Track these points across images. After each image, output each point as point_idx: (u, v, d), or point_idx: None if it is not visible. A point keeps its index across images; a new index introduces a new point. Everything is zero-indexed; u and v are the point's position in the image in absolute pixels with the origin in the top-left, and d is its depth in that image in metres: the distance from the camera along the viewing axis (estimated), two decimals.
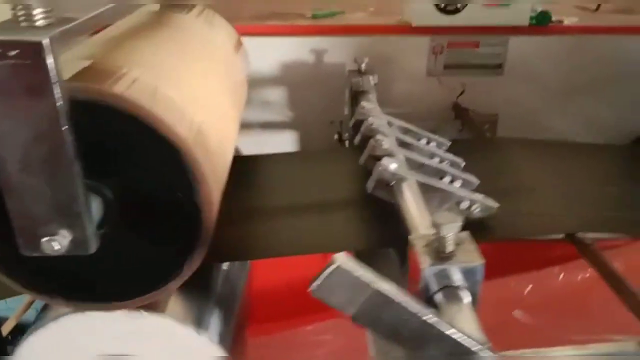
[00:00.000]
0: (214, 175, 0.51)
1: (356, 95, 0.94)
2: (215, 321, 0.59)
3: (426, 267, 0.41)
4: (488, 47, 1.06)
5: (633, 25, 1.09)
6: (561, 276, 1.18)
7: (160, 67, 0.54)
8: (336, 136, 1.03)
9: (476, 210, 0.64)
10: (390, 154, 0.67)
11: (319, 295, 0.33)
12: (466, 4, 1.01)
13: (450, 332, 0.35)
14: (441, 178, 0.69)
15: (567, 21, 1.12)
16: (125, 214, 0.47)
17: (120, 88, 0.44)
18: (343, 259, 0.33)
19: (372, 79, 0.94)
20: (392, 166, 0.61)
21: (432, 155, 0.76)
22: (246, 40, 1.02)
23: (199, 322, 0.56)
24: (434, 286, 0.42)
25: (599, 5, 1.28)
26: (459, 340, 0.35)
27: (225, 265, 0.72)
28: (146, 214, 0.48)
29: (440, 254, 0.42)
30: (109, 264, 0.49)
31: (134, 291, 0.49)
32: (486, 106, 1.10)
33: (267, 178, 0.85)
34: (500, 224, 0.66)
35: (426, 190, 0.62)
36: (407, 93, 1.08)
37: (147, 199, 0.47)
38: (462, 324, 0.39)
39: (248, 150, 1.10)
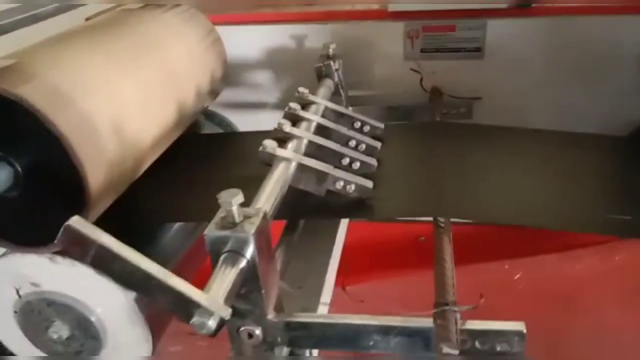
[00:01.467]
0: (98, 154, 0.63)
1: (320, 79, 1.01)
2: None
3: (206, 232, 0.50)
4: (465, 30, 1.06)
5: (627, 4, 1.03)
6: None
7: (68, 68, 0.67)
8: None
9: (351, 190, 0.70)
10: (289, 137, 0.75)
11: (62, 247, 0.44)
12: None
13: (171, 283, 0.44)
14: (340, 159, 0.76)
15: None
16: (29, 181, 0.61)
17: (19, 86, 0.58)
18: (76, 220, 0.44)
19: (334, 65, 1.00)
20: (270, 147, 0.68)
21: (348, 139, 0.82)
22: (233, 29, 1.13)
23: None
24: (218, 249, 0.51)
25: None
26: (180, 291, 0.44)
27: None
28: (43, 182, 0.62)
29: (226, 224, 0.51)
30: (23, 219, 0.63)
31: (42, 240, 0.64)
32: (467, 91, 1.10)
33: (233, 153, 0.96)
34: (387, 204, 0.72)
35: (306, 170, 0.70)
36: (385, 77, 1.12)
37: (44, 171, 0.61)
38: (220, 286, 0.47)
39: (245, 127, 1.22)
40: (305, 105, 0.86)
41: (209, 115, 1.18)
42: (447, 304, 0.51)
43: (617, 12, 1.02)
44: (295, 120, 0.80)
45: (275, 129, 0.75)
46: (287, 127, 0.75)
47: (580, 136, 0.94)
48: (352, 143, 0.82)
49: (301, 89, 0.87)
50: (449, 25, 1.06)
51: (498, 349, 0.50)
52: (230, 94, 1.18)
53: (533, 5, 1.04)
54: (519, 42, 1.05)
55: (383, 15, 1.08)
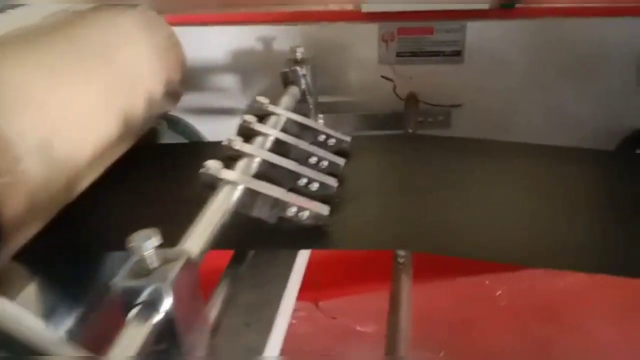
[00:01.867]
0: (14, 179, 0.56)
1: (286, 86, 0.94)
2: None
3: (114, 282, 0.43)
4: (443, 33, 0.99)
5: (614, 6, 0.95)
6: None
7: None
8: None
9: (305, 217, 0.63)
10: (240, 155, 0.67)
11: None
12: None
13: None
14: (297, 179, 0.69)
15: None
16: None
17: None
18: None
19: (301, 70, 0.93)
20: (213, 168, 0.61)
21: (308, 156, 0.74)
22: (198, 30, 1.05)
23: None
24: (129, 301, 0.43)
25: None
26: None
27: None
28: None
29: (140, 270, 0.44)
30: None
31: None
32: (446, 97, 1.03)
33: (189, 167, 0.88)
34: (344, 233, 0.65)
35: (255, 195, 0.62)
36: (359, 82, 1.04)
37: None
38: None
39: (212, 134, 1.15)
40: (264, 116, 0.79)
41: (172, 122, 1.11)
42: None
43: (604, 14, 0.95)
44: (250, 135, 0.73)
45: (224, 146, 0.68)
46: (238, 144, 0.68)
47: (567, 151, 0.86)
48: (313, 160, 0.74)
49: (259, 98, 0.80)
50: (426, 28, 0.99)
51: None
52: (195, 98, 1.10)
53: (516, 6, 0.97)
54: (501, 45, 0.98)
55: (356, 16, 1.00)
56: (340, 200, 0.69)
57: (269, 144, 0.72)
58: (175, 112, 1.10)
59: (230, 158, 0.68)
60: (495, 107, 1.03)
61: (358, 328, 1.23)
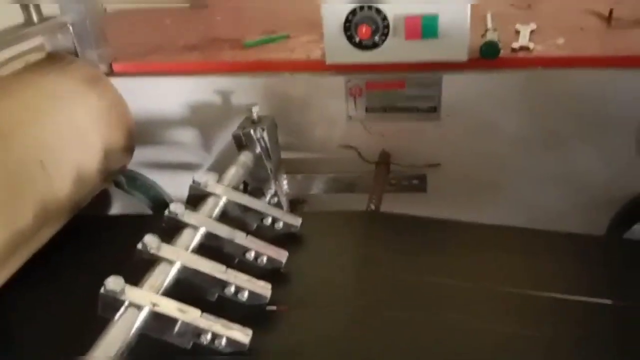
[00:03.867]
0: None
1: (239, 149, 0.85)
2: None
3: None
4: (417, 87, 0.88)
5: (619, 55, 0.84)
6: None
7: None
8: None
9: (221, 346, 0.53)
10: (157, 260, 0.58)
11: None
12: (384, 39, 0.84)
13: None
14: (224, 288, 0.59)
15: (541, 46, 0.90)
16: None
17: None
18: None
19: (255, 133, 0.83)
20: (115, 288, 0.52)
21: (245, 250, 0.65)
22: (156, 80, 0.97)
23: None
24: None
25: (610, 13, 1.02)
26: None
27: None
28: None
29: None
30: None
31: None
32: (421, 157, 0.93)
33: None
34: None
35: (162, 319, 0.53)
36: (326, 139, 0.95)
37: None
38: None
39: (175, 189, 1.06)
40: (203, 196, 0.70)
41: (131, 178, 1.03)
42: None
43: (604, 65, 0.84)
44: (177, 227, 0.64)
45: (139, 250, 0.59)
46: (154, 247, 0.58)
47: (556, 238, 0.75)
48: (250, 255, 0.65)
49: (197, 177, 0.71)
50: (397, 81, 0.88)
51: None
52: (154, 152, 1.02)
53: (499, 55, 0.86)
54: (482, 99, 0.88)
55: (321, 67, 0.90)
56: (274, 314, 0.60)
57: (197, 239, 0.63)
58: (134, 168, 1.02)
59: (149, 262, 0.59)
60: (476, 168, 0.92)
61: None
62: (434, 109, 0.89)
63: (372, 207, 0.80)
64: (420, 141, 0.92)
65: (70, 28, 0.91)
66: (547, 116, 0.87)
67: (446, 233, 0.76)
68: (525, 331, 0.59)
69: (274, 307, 0.61)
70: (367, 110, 0.91)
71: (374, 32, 0.84)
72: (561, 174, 0.90)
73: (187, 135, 0.99)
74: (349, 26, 0.84)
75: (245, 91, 0.93)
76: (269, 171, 0.87)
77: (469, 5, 0.81)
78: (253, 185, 0.87)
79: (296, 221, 0.73)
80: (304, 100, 0.93)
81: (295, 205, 0.99)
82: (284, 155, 0.93)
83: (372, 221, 0.79)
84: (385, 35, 0.84)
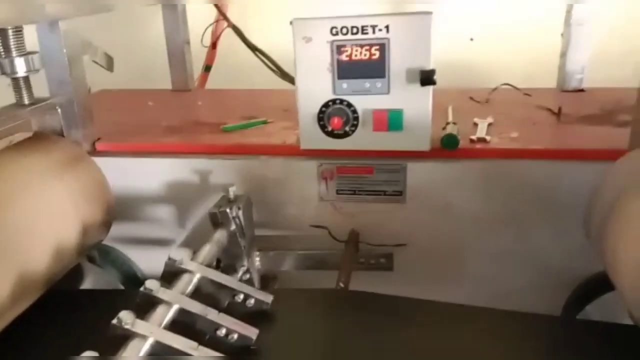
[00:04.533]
0: None
1: (215, 227, 0.88)
2: None
3: None
4: (383, 173, 0.95)
5: (569, 149, 0.93)
6: None
7: None
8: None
9: None
10: (130, 336, 0.60)
11: None
12: (354, 129, 0.92)
13: None
14: None
15: (497, 139, 0.98)
16: None
17: None
18: None
19: (231, 211, 0.88)
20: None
21: (216, 328, 0.67)
22: (135, 161, 1.01)
23: None
24: None
25: (559, 110, 1.12)
26: None
27: None
28: None
29: None
30: None
31: None
32: (389, 237, 0.98)
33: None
34: None
35: None
36: (298, 219, 0.99)
37: None
38: None
39: (148, 265, 1.08)
40: (177, 273, 0.73)
41: (104, 252, 1.05)
42: None
43: (554, 157, 0.92)
44: (152, 303, 0.66)
45: (113, 325, 0.61)
46: (129, 322, 0.60)
47: (515, 318, 0.79)
48: (222, 332, 0.67)
49: (173, 255, 0.74)
50: (365, 167, 0.95)
51: None
52: (130, 228, 1.05)
53: (459, 147, 0.94)
54: (443, 186, 0.94)
55: (295, 152, 0.97)
56: None
57: (170, 315, 0.65)
58: (107, 242, 1.04)
59: (120, 337, 0.60)
60: (441, 249, 0.98)
61: None
62: (400, 193, 0.95)
63: (341, 285, 0.83)
64: (388, 222, 0.97)
65: (59, 109, 0.96)
66: (504, 201, 0.94)
67: (412, 311, 0.80)
68: None
69: None
70: (337, 192, 0.97)
71: (344, 123, 0.91)
72: (519, 255, 0.96)
73: (164, 212, 1.03)
74: (322, 117, 0.92)
75: (222, 172, 0.99)
76: (242, 248, 0.90)
77: (430, 103, 0.89)
78: (226, 261, 0.90)
79: (267, 298, 0.75)
80: (278, 182, 0.98)
81: (266, 281, 1.01)
82: (258, 232, 0.97)
83: (341, 299, 0.82)
84: (355, 126, 0.92)
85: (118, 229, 1.03)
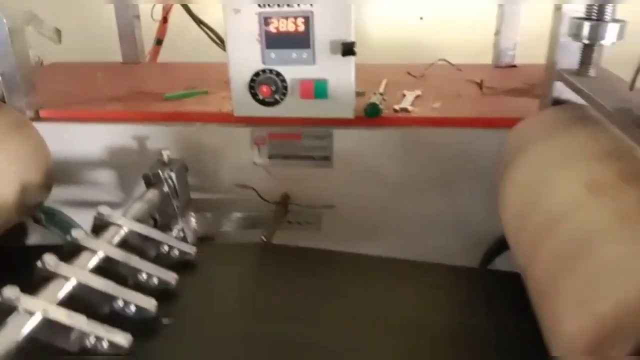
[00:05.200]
0: None
1: (148, 187, 0.94)
2: None
3: None
4: (311, 139, 1.01)
5: (477, 117, 1.01)
6: None
7: None
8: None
9: (104, 348, 0.61)
10: (53, 277, 0.66)
11: None
12: (284, 97, 0.98)
13: None
14: (114, 303, 0.67)
15: (419, 109, 1.05)
16: None
17: None
18: None
19: (163, 173, 0.93)
20: (10, 296, 0.59)
21: (137, 272, 0.73)
22: (77, 127, 1.06)
23: None
24: None
25: (481, 83, 1.20)
26: None
27: None
28: None
29: None
30: None
31: None
32: (318, 199, 1.05)
33: None
34: None
35: (53, 325, 0.61)
36: (233, 183, 1.05)
37: None
38: None
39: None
40: (104, 226, 0.79)
41: (49, 214, 1.09)
42: None
43: (465, 125, 1.00)
44: (77, 251, 0.72)
45: (38, 268, 0.66)
46: (53, 265, 0.66)
47: (430, 268, 0.87)
48: (143, 276, 0.73)
49: (102, 209, 0.80)
50: (294, 133, 1.01)
51: None
52: (73, 191, 1.10)
53: (382, 115, 1.01)
54: (367, 151, 1.01)
55: (229, 119, 1.02)
56: (159, 325, 0.68)
57: (94, 261, 0.71)
58: (53, 205, 1.09)
59: (45, 278, 0.66)
60: (366, 211, 1.05)
61: None
62: (327, 158, 1.02)
63: (263, 238, 0.90)
64: (317, 186, 1.04)
65: (0, 78, 1.01)
66: (424, 166, 1.01)
67: (332, 263, 0.87)
68: (399, 349, 0.68)
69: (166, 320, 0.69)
70: (269, 157, 1.03)
71: (274, 92, 0.97)
72: (440, 216, 1.03)
73: (106, 176, 1.08)
74: (254, 85, 0.98)
75: (160, 138, 1.04)
76: (176, 208, 0.96)
77: (352, 74, 0.95)
78: (162, 221, 0.96)
79: (191, 249, 0.82)
80: (214, 148, 1.04)
81: (204, 242, 1.08)
82: (196, 195, 1.03)
83: (264, 251, 0.89)
84: (284, 94, 0.98)
85: (62, 192, 1.08)
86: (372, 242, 1.07)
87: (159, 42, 1.58)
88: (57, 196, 1.08)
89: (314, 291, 0.80)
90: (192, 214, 1.03)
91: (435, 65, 1.38)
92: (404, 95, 1.13)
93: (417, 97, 1.13)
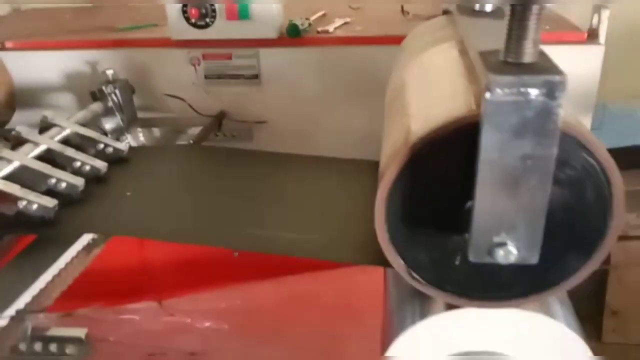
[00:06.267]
0: None
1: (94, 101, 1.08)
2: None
3: None
4: (241, 59, 1.13)
5: (381, 36, 1.11)
6: None
7: None
8: None
9: (33, 209, 0.75)
10: None
11: None
12: (214, 19, 1.09)
13: None
14: (47, 181, 0.82)
15: (341, 31, 1.16)
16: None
17: None
18: None
19: (107, 88, 1.06)
20: None
21: (73, 160, 0.87)
22: (32, 54, 1.19)
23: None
24: None
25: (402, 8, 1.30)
26: None
27: None
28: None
29: None
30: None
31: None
32: (251, 115, 1.17)
33: None
34: None
35: None
36: (175, 101, 1.18)
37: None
38: None
39: None
40: (47, 127, 0.93)
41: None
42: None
43: (373, 44, 1.11)
44: (19, 143, 0.86)
45: None
46: None
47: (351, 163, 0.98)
48: (77, 164, 0.88)
49: (46, 113, 0.93)
50: (225, 54, 1.13)
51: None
52: (34, 114, 1.23)
53: (304, 35, 1.12)
54: (292, 69, 1.13)
55: (169, 43, 1.15)
56: (87, 197, 0.83)
57: (36, 151, 0.85)
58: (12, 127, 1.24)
59: None
60: (295, 124, 1.17)
61: (196, 325, 1.34)
62: (256, 77, 1.14)
63: (191, 141, 1.04)
64: (249, 103, 1.17)
65: None
66: (341, 81, 1.13)
67: (257, 159, 1.00)
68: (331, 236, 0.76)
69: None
70: (205, 77, 1.16)
71: (202, 15, 1.09)
72: (357, 127, 1.15)
73: (63, 100, 1.22)
74: (186, 10, 1.10)
75: (110, 63, 1.16)
76: (121, 122, 1.10)
77: None
78: (112, 135, 1.10)
79: (124, 147, 0.96)
80: (157, 70, 1.17)
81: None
82: (144, 114, 1.16)
83: (194, 151, 1.03)
84: (214, 17, 1.10)
85: (25, 115, 1.22)
86: (300, 152, 1.19)
87: None
88: (21, 119, 1.22)
89: (235, 187, 0.93)
90: (140, 129, 1.17)
91: None
92: (334, 22, 1.24)
93: (346, 23, 1.24)
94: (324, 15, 1.30)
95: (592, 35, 1.04)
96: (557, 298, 0.58)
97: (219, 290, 1.41)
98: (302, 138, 1.19)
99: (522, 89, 0.43)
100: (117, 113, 1.08)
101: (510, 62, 0.46)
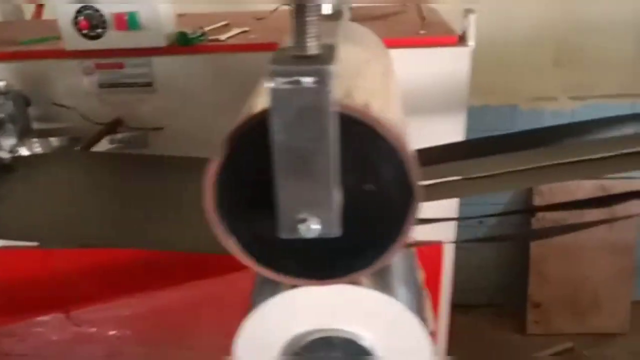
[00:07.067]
0: None
1: None
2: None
3: None
4: (133, 67, 1.16)
5: (271, 42, 1.17)
6: None
7: None
8: None
9: None
10: None
11: None
12: (105, 30, 1.12)
13: None
14: None
15: (234, 40, 1.21)
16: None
17: None
18: None
19: None
20: None
21: None
22: None
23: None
24: None
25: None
26: None
27: None
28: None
29: None
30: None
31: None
32: (147, 122, 1.20)
33: None
34: None
35: None
36: (74, 111, 1.20)
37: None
38: None
39: None
40: None
41: None
42: None
43: (264, 50, 1.15)
44: None
45: None
46: None
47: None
48: None
49: None
50: (117, 63, 1.16)
51: None
52: None
53: (196, 44, 1.16)
54: (184, 77, 1.17)
55: (63, 54, 1.17)
56: None
57: None
58: None
59: None
60: (190, 129, 1.20)
61: (102, 334, 1.35)
62: (150, 84, 1.17)
63: (77, 148, 1.06)
64: (144, 110, 1.19)
65: None
66: (233, 86, 1.16)
67: (151, 163, 1.03)
68: None
69: None
70: (100, 86, 1.18)
71: (94, 26, 1.12)
72: None
73: None
74: (77, 22, 1.12)
75: (7, 75, 1.17)
76: (14, 133, 1.11)
77: (160, 6, 1.10)
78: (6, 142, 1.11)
79: (6, 155, 0.97)
80: (52, 81, 1.19)
81: None
82: (43, 125, 1.18)
83: (81, 157, 1.05)
84: (105, 28, 1.12)
85: None
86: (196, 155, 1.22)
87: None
88: None
89: (119, 192, 0.95)
90: (35, 140, 1.18)
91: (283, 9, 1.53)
92: (231, 31, 1.28)
93: (243, 32, 1.29)
94: (226, 25, 1.34)
95: (462, 38, 1.12)
96: (402, 281, 0.63)
97: (125, 297, 1.43)
98: (197, 142, 1.21)
99: (298, 78, 0.48)
100: (8, 124, 1.09)
101: (296, 55, 0.51)
